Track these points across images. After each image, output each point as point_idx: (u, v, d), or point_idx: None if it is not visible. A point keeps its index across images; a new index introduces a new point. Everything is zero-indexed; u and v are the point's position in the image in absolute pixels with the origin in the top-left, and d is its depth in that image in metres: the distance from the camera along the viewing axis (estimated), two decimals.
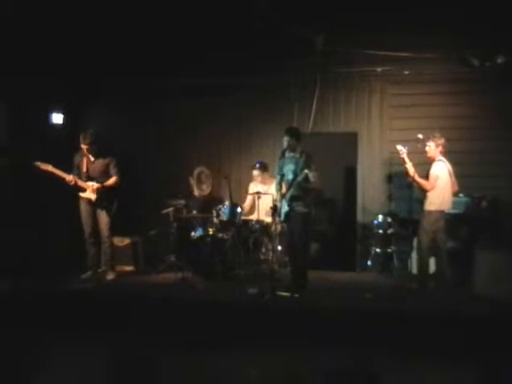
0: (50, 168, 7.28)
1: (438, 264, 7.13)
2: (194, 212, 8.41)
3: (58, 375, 4.53)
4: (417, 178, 7.04)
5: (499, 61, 7.89)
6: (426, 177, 7.00)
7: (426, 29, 7.98)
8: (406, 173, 7.11)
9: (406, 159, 7.04)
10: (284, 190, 6.86)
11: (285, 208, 6.75)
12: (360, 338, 5.27)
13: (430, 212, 6.95)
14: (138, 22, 8.34)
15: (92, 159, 7.59)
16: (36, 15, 7.69)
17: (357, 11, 8.09)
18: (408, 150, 7.01)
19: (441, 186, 6.94)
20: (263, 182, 8.22)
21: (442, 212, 6.97)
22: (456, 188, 7.15)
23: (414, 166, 7.01)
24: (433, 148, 7.06)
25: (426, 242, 6.99)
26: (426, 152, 7.08)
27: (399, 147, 7.10)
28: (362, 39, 8.22)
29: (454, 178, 7.08)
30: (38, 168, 7.24)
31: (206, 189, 8.88)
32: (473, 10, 7.77)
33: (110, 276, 7.68)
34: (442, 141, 7.02)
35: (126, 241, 8.51)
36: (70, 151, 7.77)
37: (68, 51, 8.16)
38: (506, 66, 7.92)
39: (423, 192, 7.03)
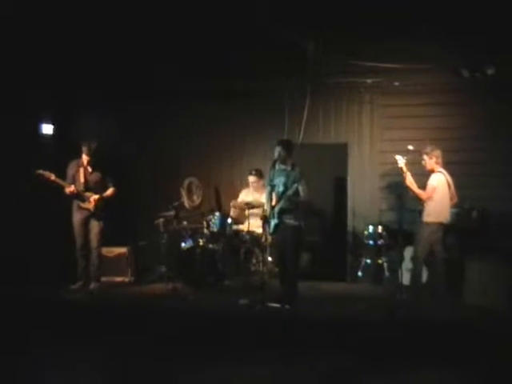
0: (52, 177, 7.28)
1: (432, 275, 7.13)
2: (185, 223, 8.39)
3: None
4: (413, 187, 7.06)
5: (489, 72, 7.94)
6: (424, 187, 7.02)
7: (416, 40, 8.02)
8: (404, 182, 7.13)
9: (405, 168, 7.06)
10: (274, 201, 6.87)
11: (274, 220, 6.75)
12: (351, 349, 5.25)
13: (427, 223, 6.95)
14: (121, 28, 8.32)
15: (90, 170, 7.60)
16: (25, 25, 7.67)
17: (348, 22, 8.12)
18: (407, 161, 7.03)
19: (438, 197, 6.94)
20: (256, 190, 8.19)
21: (439, 224, 6.96)
22: (455, 200, 7.16)
23: (412, 176, 7.04)
24: (428, 161, 7.09)
25: (422, 252, 6.98)
26: (423, 166, 7.13)
27: (397, 157, 7.12)
28: (352, 50, 8.25)
29: (453, 190, 7.09)
30: (39, 176, 7.22)
31: (197, 199, 8.89)
32: (463, 22, 7.82)
33: (92, 285, 7.64)
34: (435, 153, 7.05)
35: (116, 251, 8.49)
36: (60, 161, 7.74)
37: (57, 60, 8.12)
38: (496, 77, 7.98)
39: (421, 202, 7.05)
